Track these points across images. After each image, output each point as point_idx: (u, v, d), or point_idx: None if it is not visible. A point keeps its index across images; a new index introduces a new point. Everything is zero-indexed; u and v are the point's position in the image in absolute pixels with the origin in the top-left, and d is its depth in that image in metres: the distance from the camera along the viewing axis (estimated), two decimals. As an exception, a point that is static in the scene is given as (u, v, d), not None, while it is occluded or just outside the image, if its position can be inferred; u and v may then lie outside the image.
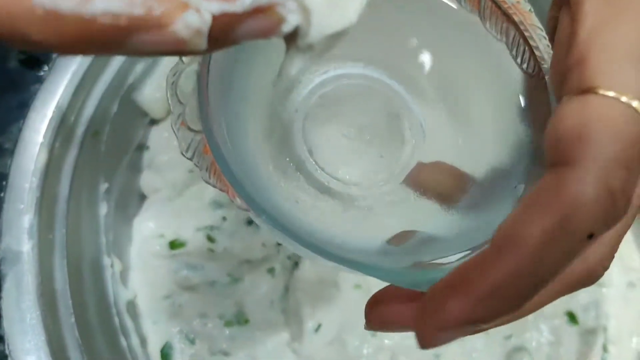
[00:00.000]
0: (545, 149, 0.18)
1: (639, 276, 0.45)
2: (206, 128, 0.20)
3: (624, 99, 0.16)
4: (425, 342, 0.17)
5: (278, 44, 0.24)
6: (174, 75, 0.20)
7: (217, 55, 0.21)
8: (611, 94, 0.16)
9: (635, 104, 0.16)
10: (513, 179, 0.23)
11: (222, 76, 0.22)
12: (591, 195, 0.16)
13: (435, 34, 0.25)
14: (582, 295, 0.44)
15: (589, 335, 0.43)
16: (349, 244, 0.22)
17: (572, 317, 0.43)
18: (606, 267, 0.21)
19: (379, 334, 0.41)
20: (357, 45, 0.25)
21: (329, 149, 0.25)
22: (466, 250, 0.21)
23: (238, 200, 0.19)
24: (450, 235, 0.23)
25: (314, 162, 0.24)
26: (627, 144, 0.16)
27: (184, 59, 0.21)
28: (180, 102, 0.20)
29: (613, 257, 0.21)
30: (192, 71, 0.20)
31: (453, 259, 0.20)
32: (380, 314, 0.21)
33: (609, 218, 0.16)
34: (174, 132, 0.20)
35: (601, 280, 0.44)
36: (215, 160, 0.20)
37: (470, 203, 0.23)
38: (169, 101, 0.20)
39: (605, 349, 0.43)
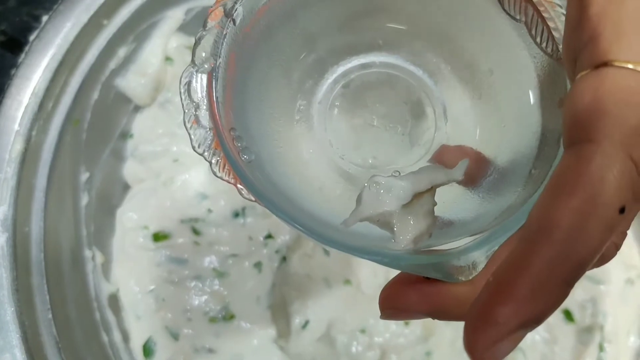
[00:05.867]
0: (563, 128, 0.17)
1: (638, 273, 0.44)
2: (215, 123, 0.21)
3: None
4: None
5: (295, 40, 0.24)
6: (187, 76, 0.22)
7: (233, 52, 0.22)
8: (628, 65, 0.16)
9: None
10: (530, 163, 0.23)
11: (238, 73, 0.23)
12: (616, 168, 0.16)
13: (456, 19, 0.25)
14: (579, 292, 0.43)
15: (585, 333, 0.42)
16: (366, 231, 0.22)
17: (568, 315, 0.42)
18: (618, 247, 0.20)
19: (369, 331, 0.40)
20: (380, 34, 0.26)
21: (351, 136, 0.25)
22: (474, 235, 0.21)
23: (245, 192, 0.20)
24: (466, 219, 0.23)
25: (335, 149, 0.24)
26: None
27: (196, 61, 0.22)
28: (193, 101, 0.21)
29: (625, 236, 0.20)
30: (204, 71, 0.22)
31: (457, 244, 0.21)
32: (392, 303, 0.21)
33: (637, 189, 0.16)
34: (186, 129, 0.21)
35: (599, 277, 0.44)
36: (224, 153, 0.21)
37: (489, 187, 0.24)
38: (182, 101, 0.21)
39: (601, 347, 0.42)
